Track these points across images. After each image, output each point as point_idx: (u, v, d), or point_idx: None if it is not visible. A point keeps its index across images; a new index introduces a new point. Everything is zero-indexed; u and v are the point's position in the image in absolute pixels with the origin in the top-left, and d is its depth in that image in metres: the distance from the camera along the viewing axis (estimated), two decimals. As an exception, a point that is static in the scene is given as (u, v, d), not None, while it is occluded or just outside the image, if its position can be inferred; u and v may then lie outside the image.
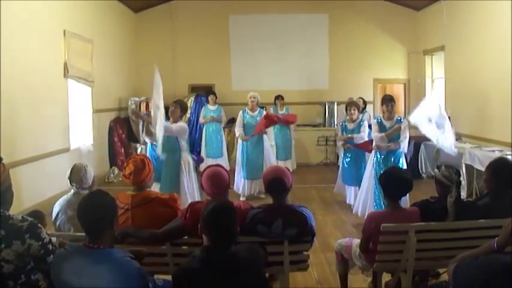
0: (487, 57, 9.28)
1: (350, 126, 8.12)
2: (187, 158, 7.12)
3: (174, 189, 6.41)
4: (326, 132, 12.98)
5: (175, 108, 7.20)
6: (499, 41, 8.67)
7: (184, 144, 7.10)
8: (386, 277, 4.64)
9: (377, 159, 7.03)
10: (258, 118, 9.01)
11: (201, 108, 11.74)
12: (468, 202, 4.56)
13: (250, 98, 9.09)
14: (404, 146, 7.00)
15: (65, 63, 8.92)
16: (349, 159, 8.12)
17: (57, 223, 4.27)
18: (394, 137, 6.93)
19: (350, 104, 8.29)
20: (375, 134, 7.03)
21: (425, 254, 4.01)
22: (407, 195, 6.38)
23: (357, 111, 8.13)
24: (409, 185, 4.25)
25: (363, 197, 7.24)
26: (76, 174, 4.33)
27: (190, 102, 12.51)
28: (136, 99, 12.27)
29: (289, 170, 4.22)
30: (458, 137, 10.39)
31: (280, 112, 11.13)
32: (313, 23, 13.68)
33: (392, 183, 4.21)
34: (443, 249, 3.92)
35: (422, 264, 4.11)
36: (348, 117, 8.20)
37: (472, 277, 2.38)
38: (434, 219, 3.99)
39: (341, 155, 8.78)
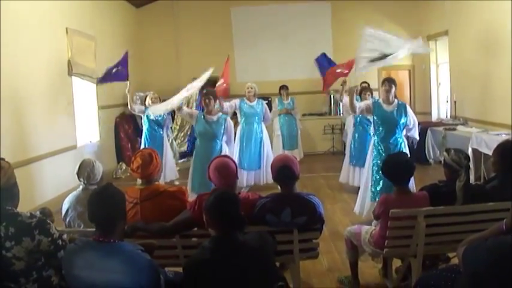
0: (491, 40, 9.22)
1: None
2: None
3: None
4: (332, 120, 12.95)
5: (210, 101, 7.26)
6: (503, 24, 8.60)
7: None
8: (396, 263, 4.66)
9: (377, 152, 6.67)
10: (256, 108, 9.10)
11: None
12: (477, 186, 4.55)
13: (248, 88, 9.21)
14: (414, 131, 6.85)
15: (69, 61, 8.93)
16: (357, 139, 8.60)
17: (67, 219, 4.30)
18: (389, 123, 6.62)
19: (365, 89, 8.79)
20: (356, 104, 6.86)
21: (434, 238, 4.02)
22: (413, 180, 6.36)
23: (370, 96, 8.49)
24: (410, 166, 4.26)
25: (362, 194, 6.86)
26: (84, 170, 4.35)
27: (195, 95, 12.51)
28: (141, 94, 12.25)
29: (296, 159, 4.23)
30: (464, 121, 10.38)
31: (285, 102, 11.13)
32: (316, 12, 13.62)
33: (394, 169, 4.23)
34: (452, 233, 3.92)
35: (432, 249, 4.12)
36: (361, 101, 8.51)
37: (481, 259, 2.39)
38: (443, 203, 3.99)
39: (349, 138, 8.82)
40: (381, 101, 6.73)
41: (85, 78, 9.70)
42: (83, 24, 9.66)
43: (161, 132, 9.10)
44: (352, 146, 8.70)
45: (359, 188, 7.39)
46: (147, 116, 8.90)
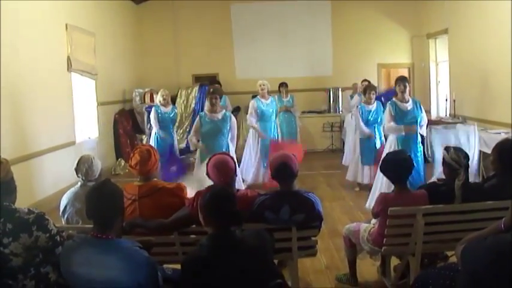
0: (491, 38, 9.20)
1: (368, 107, 8.42)
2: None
3: None
4: (331, 118, 12.94)
5: (216, 100, 7.23)
6: (503, 23, 8.59)
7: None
8: (394, 261, 4.66)
9: (397, 146, 6.93)
10: (272, 105, 9.07)
11: (206, 97, 11.71)
12: (475, 184, 4.55)
13: (260, 86, 9.08)
14: (424, 128, 7.09)
15: (68, 57, 8.91)
16: (365, 138, 8.45)
17: (65, 216, 4.28)
18: (408, 120, 6.92)
19: (370, 88, 8.71)
20: (390, 124, 7.04)
21: (433, 236, 4.02)
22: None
23: (375, 94, 8.61)
24: (408, 164, 4.25)
25: (375, 190, 6.97)
26: (83, 166, 4.34)
27: (194, 92, 12.54)
28: (141, 90, 12.29)
29: (295, 156, 4.23)
30: (464, 120, 10.37)
31: (284, 99, 11.11)
32: (316, 10, 13.60)
33: (392, 167, 4.23)
34: (451, 232, 3.93)
35: (431, 247, 4.12)
36: (365, 100, 8.58)
37: (480, 258, 2.39)
38: (442, 201, 4.00)
39: (355, 137, 8.77)
40: (396, 100, 6.99)
41: (84, 74, 9.70)
42: (83, 20, 9.65)
43: (171, 131, 8.98)
44: (362, 144, 8.55)
45: (367, 185, 7.56)
46: (159, 114, 8.76)
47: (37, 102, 7.84)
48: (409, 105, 6.89)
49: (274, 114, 9.15)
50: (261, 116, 9.01)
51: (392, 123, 6.99)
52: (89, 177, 4.33)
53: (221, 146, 7.10)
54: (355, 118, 8.63)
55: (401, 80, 6.98)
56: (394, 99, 7.10)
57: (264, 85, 9.07)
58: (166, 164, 8.04)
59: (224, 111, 7.35)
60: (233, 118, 7.38)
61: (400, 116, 6.90)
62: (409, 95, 7.09)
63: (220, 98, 7.44)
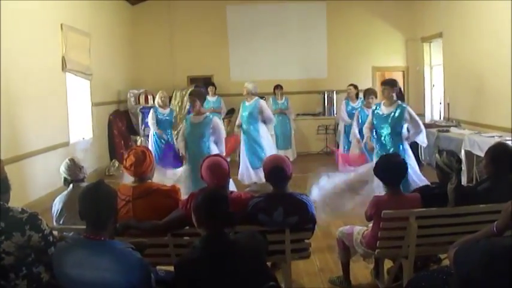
0: (485, 43, 9.24)
1: (368, 111, 8.02)
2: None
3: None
4: (326, 121, 12.95)
5: (194, 102, 7.02)
6: (497, 27, 8.63)
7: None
8: (388, 264, 4.66)
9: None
10: (251, 108, 8.77)
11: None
12: (468, 188, 4.57)
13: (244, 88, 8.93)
14: (423, 137, 6.50)
15: (63, 57, 8.90)
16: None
17: (61, 220, 4.25)
18: (397, 127, 6.36)
19: (369, 92, 8.69)
20: (365, 127, 6.90)
21: (426, 239, 4.02)
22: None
23: (375, 99, 8.49)
24: (401, 167, 4.26)
25: None
26: (68, 169, 4.37)
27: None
28: (135, 91, 12.28)
29: (289, 159, 4.23)
30: (457, 123, 10.41)
31: (279, 102, 11.13)
32: (311, 12, 13.61)
33: (386, 170, 4.23)
34: (444, 235, 3.94)
35: (424, 250, 4.13)
36: (365, 105, 8.59)
37: (472, 261, 2.39)
38: (435, 204, 4.01)
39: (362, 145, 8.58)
40: (381, 103, 6.57)
41: (79, 74, 9.68)
42: (78, 20, 9.63)
43: (169, 132, 8.94)
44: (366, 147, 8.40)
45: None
46: (157, 116, 8.73)
47: (31, 103, 7.82)
48: (390, 110, 6.37)
49: (252, 118, 8.76)
50: (241, 118, 8.87)
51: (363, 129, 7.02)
52: (77, 177, 4.35)
53: (201, 149, 6.81)
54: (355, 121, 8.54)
55: (382, 82, 6.60)
56: (382, 101, 6.64)
57: (244, 87, 8.87)
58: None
59: (207, 114, 7.10)
60: (216, 121, 7.09)
61: (377, 121, 6.50)
62: (391, 99, 6.39)
63: (202, 100, 7.24)
